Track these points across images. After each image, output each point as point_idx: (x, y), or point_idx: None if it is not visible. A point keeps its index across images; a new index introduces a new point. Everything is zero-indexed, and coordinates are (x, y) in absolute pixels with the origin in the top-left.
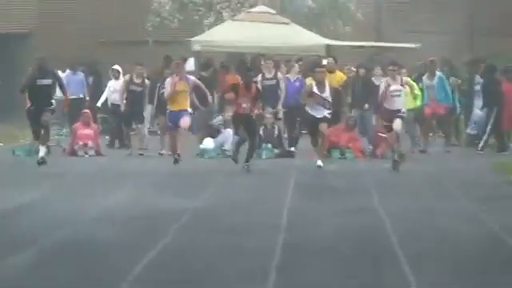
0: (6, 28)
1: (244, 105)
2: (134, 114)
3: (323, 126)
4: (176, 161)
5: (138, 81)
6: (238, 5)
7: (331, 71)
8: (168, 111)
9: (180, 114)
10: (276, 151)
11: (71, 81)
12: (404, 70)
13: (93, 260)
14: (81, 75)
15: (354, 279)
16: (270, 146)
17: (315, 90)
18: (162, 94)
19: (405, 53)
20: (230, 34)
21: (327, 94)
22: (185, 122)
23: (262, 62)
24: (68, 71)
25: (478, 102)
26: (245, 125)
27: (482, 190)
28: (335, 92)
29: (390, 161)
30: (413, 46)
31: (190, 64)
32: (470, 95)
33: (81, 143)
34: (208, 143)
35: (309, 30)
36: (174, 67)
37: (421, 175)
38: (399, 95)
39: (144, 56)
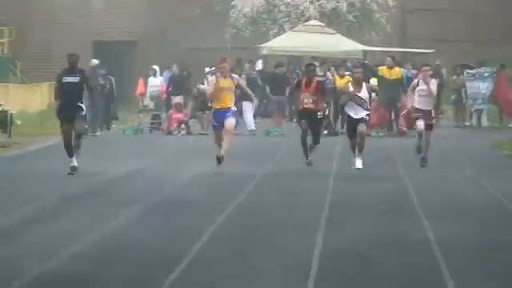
0: (118, 36)
1: (306, 100)
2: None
3: (361, 127)
4: (219, 161)
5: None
6: (296, 19)
7: (391, 67)
8: (213, 110)
9: (224, 113)
10: (325, 132)
11: (167, 78)
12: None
13: (183, 214)
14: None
15: (387, 232)
16: None
17: (351, 89)
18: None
19: (422, 56)
20: (290, 41)
21: (364, 93)
22: (230, 123)
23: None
24: (166, 71)
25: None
26: (309, 121)
27: (483, 162)
28: (373, 90)
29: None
30: (428, 51)
31: (259, 64)
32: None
33: (175, 125)
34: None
35: (349, 39)
36: (218, 63)
37: (436, 150)
38: (426, 95)
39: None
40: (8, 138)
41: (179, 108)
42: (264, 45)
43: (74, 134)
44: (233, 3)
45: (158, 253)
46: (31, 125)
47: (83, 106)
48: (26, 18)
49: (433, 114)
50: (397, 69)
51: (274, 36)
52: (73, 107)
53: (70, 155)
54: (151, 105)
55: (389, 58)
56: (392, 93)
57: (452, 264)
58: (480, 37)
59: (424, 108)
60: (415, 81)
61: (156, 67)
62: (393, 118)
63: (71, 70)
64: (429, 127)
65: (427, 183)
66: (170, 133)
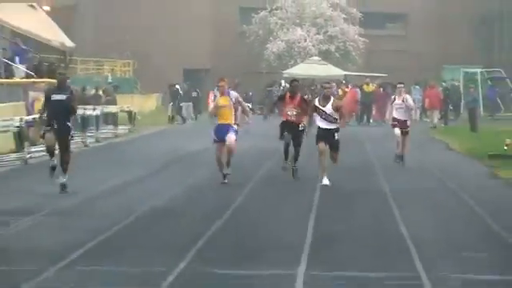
0: (193, 65)
1: (289, 112)
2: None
3: (335, 154)
4: (224, 178)
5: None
6: (304, 55)
7: (368, 84)
8: (215, 124)
9: (225, 128)
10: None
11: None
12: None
13: (217, 189)
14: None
15: (363, 211)
16: None
17: (317, 103)
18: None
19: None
20: (301, 69)
21: (329, 108)
22: (230, 140)
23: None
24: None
25: None
26: (291, 133)
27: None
28: (337, 108)
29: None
30: (383, 75)
31: (282, 83)
32: None
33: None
34: None
35: (336, 67)
36: (218, 82)
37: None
38: (401, 108)
39: (261, 80)
40: (132, 127)
41: None
42: (285, 71)
43: (60, 158)
44: (266, 46)
45: (215, 201)
46: (146, 119)
47: (70, 125)
48: (144, 53)
49: (408, 124)
50: (371, 85)
51: (291, 66)
52: (60, 127)
53: (54, 171)
54: None
55: (367, 79)
56: (368, 99)
57: (413, 235)
58: (420, 66)
59: (400, 118)
60: (393, 96)
61: (178, 86)
62: (365, 114)
63: (60, 88)
64: (405, 133)
65: (389, 160)
66: None
